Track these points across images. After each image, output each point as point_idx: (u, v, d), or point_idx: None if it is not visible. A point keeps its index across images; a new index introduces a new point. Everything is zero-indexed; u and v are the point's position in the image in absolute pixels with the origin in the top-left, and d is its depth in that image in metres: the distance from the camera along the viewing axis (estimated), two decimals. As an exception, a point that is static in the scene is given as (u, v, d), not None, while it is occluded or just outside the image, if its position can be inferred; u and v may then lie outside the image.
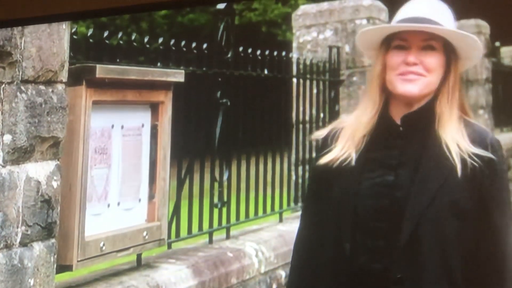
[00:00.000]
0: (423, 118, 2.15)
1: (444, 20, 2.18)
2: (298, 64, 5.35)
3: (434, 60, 2.15)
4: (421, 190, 2.08)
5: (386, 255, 2.08)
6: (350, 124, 2.22)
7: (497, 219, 2.10)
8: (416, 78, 2.14)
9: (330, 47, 5.76)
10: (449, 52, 2.17)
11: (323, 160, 2.21)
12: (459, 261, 2.07)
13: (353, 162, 2.15)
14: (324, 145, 2.27)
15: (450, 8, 2.22)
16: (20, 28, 2.58)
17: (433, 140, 2.12)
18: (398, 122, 2.18)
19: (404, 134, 2.16)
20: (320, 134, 2.33)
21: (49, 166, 2.77)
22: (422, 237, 2.06)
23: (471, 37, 2.21)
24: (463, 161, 2.07)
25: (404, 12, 2.22)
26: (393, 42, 2.18)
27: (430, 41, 2.16)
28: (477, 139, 2.12)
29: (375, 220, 2.11)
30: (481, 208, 2.09)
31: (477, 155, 2.08)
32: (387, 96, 2.19)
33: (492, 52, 8.15)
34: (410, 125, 2.16)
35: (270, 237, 4.43)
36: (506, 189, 2.15)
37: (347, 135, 2.20)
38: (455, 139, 2.10)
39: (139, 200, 3.50)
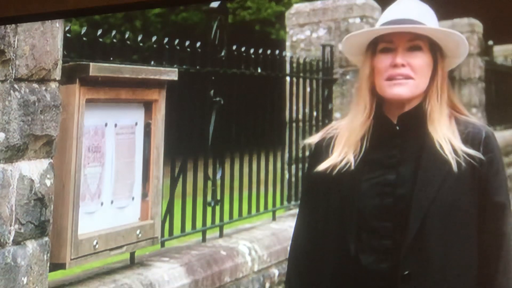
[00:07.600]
0: (417, 117, 2.16)
1: (428, 20, 2.19)
2: (291, 62, 5.36)
3: (421, 61, 2.16)
4: (424, 187, 2.10)
5: (393, 254, 2.09)
6: (344, 129, 2.22)
7: (498, 204, 2.12)
8: (405, 82, 2.14)
9: (324, 46, 5.77)
10: (435, 51, 2.19)
11: (320, 167, 2.21)
12: (465, 253, 2.09)
13: (352, 167, 2.15)
14: (319, 152, 2.26)
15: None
16: (13, 26, 2.57)
17: (430, 138, 2.13)
18: (395, 121, 2.18)
19: (401, 133, 2.17)
20: (312, 140, 2.32)
21: (43, 164, 2.77)
22: (428, 232, 2.07)
23: (456, 34, 2.22)
24: (458, 158, 2.09)
25: (387, 15, 2.23)
26: (379, 45, 2.20)
27: (416, 41, 2.17)
28: (469, 139, 2.13)
29: (379, 219, 2.12)
30: (482, 200, 2.11)
31: (469, 154, 2.09)
32: (379, 97, 2.19)
33: (485, 51, 8.17)
34: (406, 124, 2.17)
35: (263, 236, 4.43)
36: (504, 179, 2.17)
37: (343, 141, 2.20)
38: (447, 137, 2.11)
39: (133, 198, 3.50)
